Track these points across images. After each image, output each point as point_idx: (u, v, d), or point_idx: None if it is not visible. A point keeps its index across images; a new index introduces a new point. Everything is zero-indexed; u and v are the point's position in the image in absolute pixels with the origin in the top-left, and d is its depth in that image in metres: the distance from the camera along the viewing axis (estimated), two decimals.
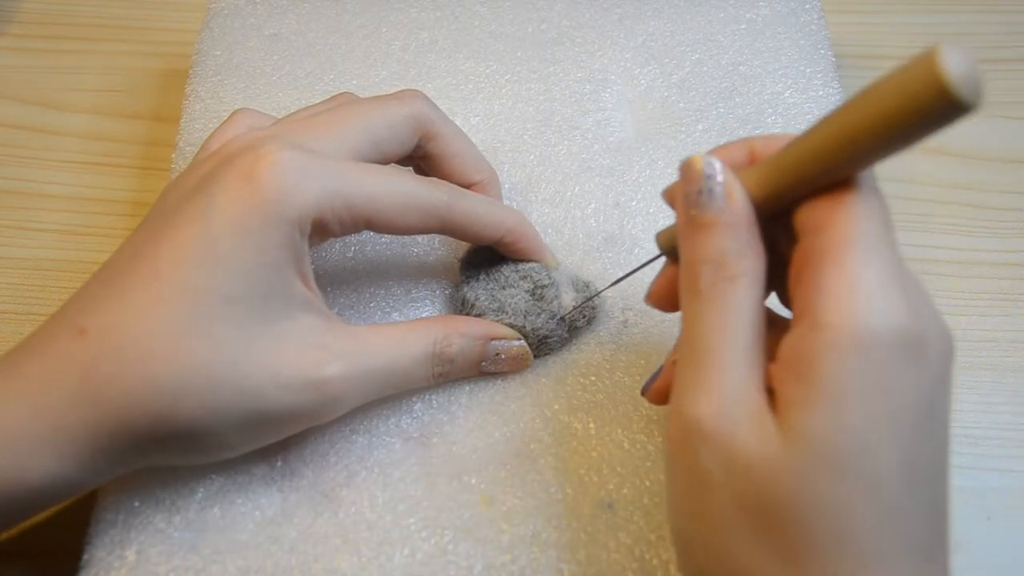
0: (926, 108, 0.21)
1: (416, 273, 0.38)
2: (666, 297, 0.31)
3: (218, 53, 0.45)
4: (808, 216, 0.24)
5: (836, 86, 0.44)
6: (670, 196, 0.30)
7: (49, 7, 0.53)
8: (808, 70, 0.44)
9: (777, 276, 0.27)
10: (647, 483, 0.33)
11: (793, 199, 0.25)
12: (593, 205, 0.40)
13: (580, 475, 0.33)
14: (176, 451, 0.29)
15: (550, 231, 0.40)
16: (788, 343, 0.24)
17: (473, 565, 0.32)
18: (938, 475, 0.24)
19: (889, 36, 0.52)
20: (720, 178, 0.26)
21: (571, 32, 0.46)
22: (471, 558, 0.32)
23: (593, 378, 0.36)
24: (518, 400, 0.35)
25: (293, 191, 0.28)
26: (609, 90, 0.44)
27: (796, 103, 0.43)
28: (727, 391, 0.24)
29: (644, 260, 0.33)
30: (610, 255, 0.39)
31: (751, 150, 0.27)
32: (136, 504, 0.32)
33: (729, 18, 0.46)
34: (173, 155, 0.42)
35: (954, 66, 0.20)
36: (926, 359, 0.23)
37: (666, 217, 0.39)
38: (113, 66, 0.51)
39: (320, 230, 0.30)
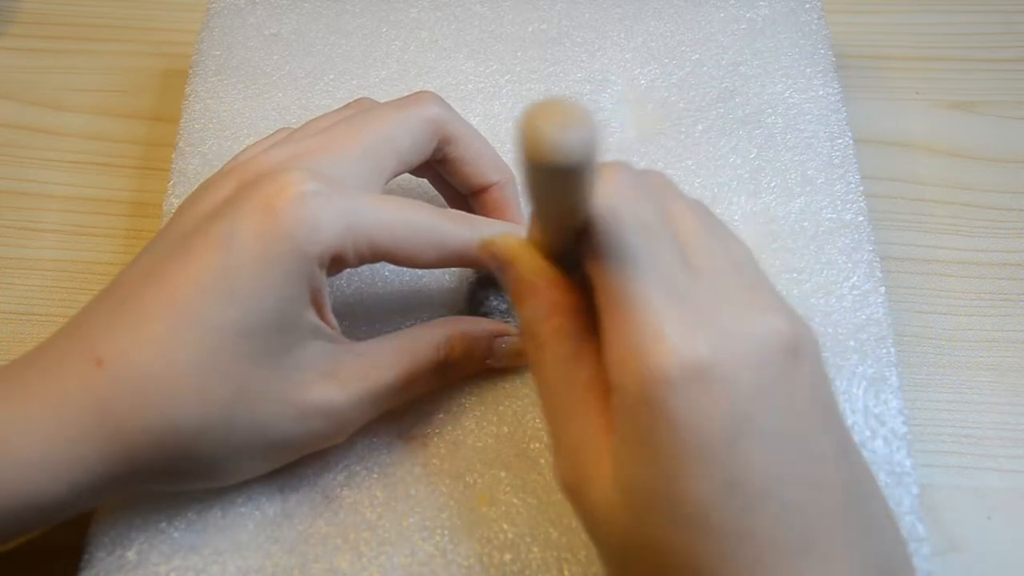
0: (533, 170, 0.19)
1: (423, 274, 0.38)
2: None
3: (218, 53, 0.45)
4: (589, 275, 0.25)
5: (836, 86, 0.44)
6: None
7: (49, 7, 0.53)
8: (808, 70, 0.44)
9: None
10: None
11: (568, 252, 0.25)
12: None
13: None
14: (190, 481, 0.30)
15: None
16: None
17: (473, 565, 0.32)
18: (769, 484, 0.22)
19: (889, 36, 0.52)
20: (499, 252, 0.26)
21: (571, 32, 0.46)
22: (471, 558, 0.32)
23: None
24: (518, 400, 0.35)
25: (316, 227, 0.28)
26: (609, 90, 0.44)
27: (796, 103, 0.43)
28: (573, 449, 0.25)
29: None
30: None
31: None
32: (137, 504, 0.32)
33: (729, 18, 0.46)
34: (173, 155, 0.42)
35: (541, 129, 0.18)
36: (717, 384, 0.22)
37: None
38: (113, 66, 0.51)
39: (338, 263, 0.29)
